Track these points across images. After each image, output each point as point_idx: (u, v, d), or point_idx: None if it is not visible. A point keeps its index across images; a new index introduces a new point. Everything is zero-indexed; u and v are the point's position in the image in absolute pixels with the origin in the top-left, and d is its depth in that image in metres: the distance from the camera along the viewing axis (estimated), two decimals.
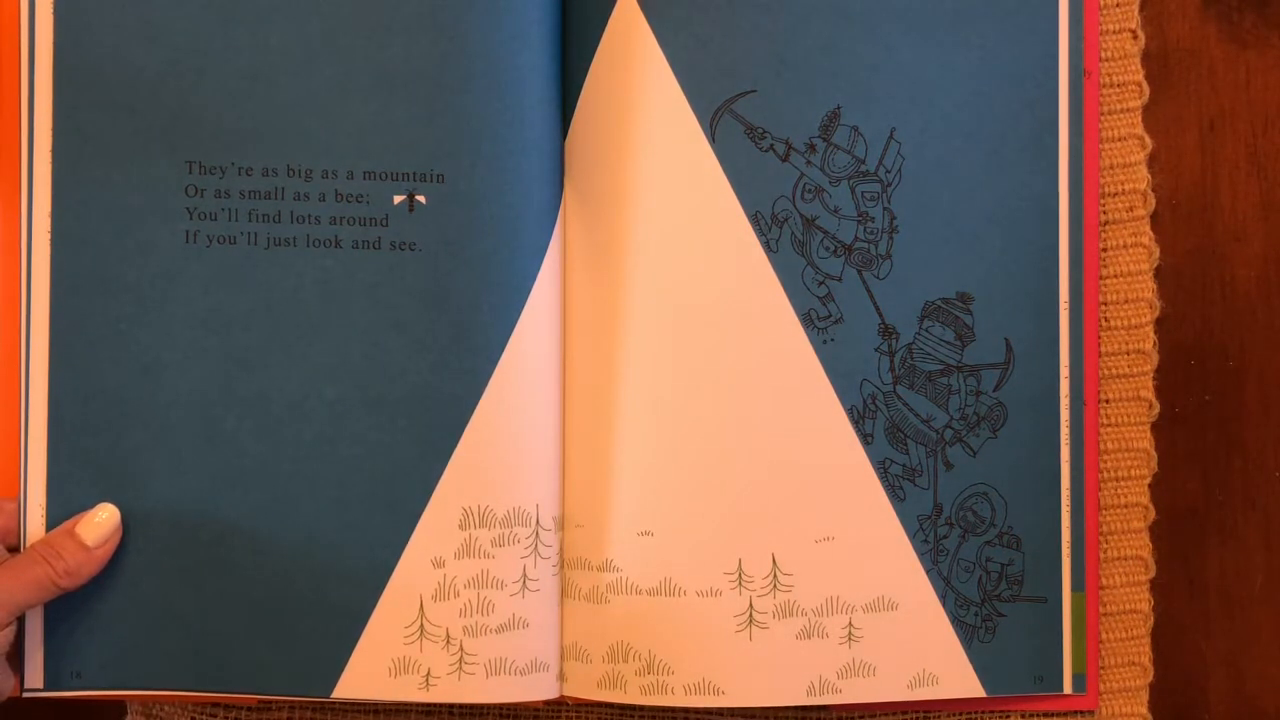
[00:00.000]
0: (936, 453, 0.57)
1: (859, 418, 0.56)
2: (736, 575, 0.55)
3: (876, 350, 0.56)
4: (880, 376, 0.56)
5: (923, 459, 0.57)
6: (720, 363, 0.55)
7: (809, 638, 0.56)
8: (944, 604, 0.57)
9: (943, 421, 0.57)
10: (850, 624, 0.56)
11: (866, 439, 0.56)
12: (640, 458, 0.56)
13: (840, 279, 0.56)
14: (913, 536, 0.57)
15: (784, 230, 0.56)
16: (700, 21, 0.55)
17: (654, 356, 0.56)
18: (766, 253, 0.56)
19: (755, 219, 0.56)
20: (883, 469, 0.56)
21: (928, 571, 0.57)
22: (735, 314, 0.56)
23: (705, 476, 0.55)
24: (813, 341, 0.56)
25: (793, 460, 0.56)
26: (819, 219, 0.56)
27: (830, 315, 0.56)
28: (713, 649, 0.55)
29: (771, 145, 0.56)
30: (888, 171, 0.56)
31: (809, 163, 0.56)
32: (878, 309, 0.56)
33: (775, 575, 0.56)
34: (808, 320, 0.56)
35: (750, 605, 0.55)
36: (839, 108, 0.56)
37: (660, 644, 0.55)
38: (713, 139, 0.56)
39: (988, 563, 0.57)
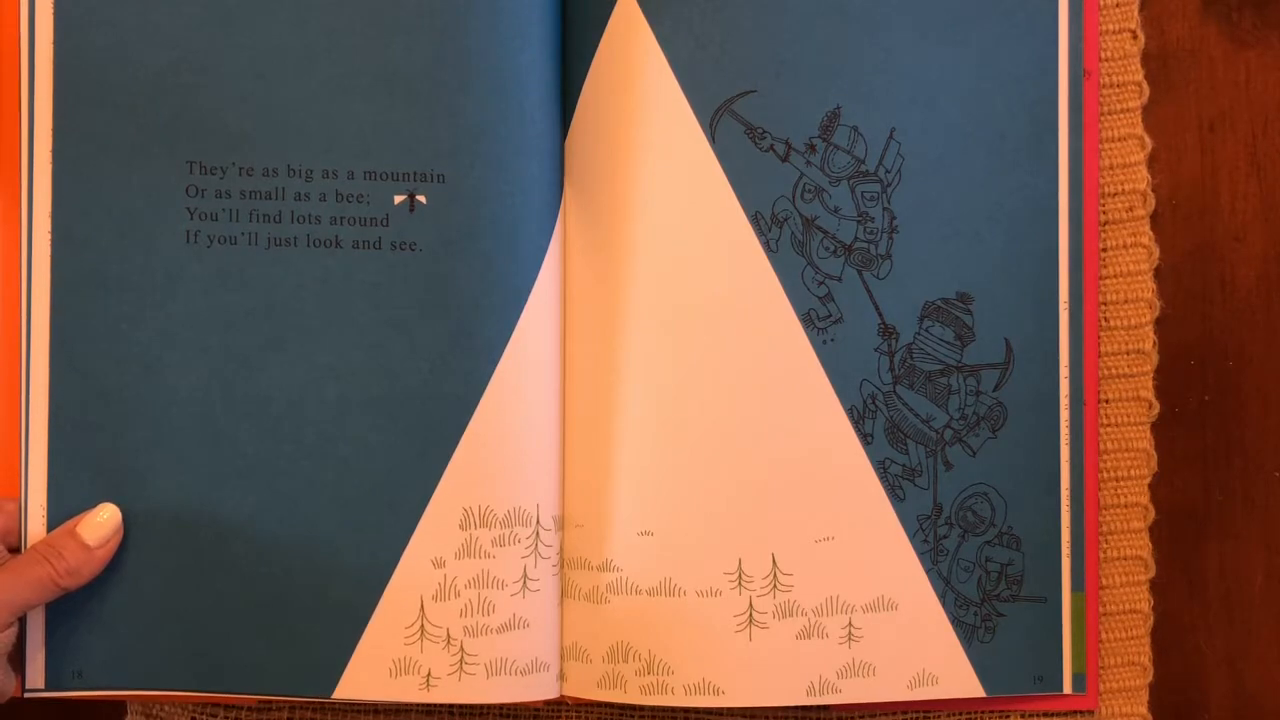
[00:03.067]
0: (936, 453, 0.57)
1: (859, 418, 0.56)
2: (736, 575, 0.55)
3: (876, 350, 0.56)
4: (880, 376, 0.56)
5: (922, 459, 0.57)
6: (720, 362, 0.56)
7: (809, 638, 0.56)
8: (944, 604, 0.57)
9: (942, 421, 0.57)
10: (850, 624, 0.56)
11: (866, 439, 0.56)
12: (640, 457, 0.56)
13: (840, 279, 0.56)
14: (912, 536, 0.57)
15: (784, 230, 0.56)
16: (700, 21, 0.55)
17: (654, 356, 0.56)
18: (766, 253, 0.56)
19: (755, 219, 0.56)
20: (882, 469, 0.56)
21: (927, 571, 0.57)
22: (735, 314, 0.56)
23: (705, 476, 0.55)
24: (813, 341, 0.56)
25: (792, 460, 0.56)
26: (819, 219, 0.56)
27: (830, 315, 0.56)
28: (713, 649, 0.55)
29: (771, 145, 0.56)
30: (887, 171, 0.56)
31: (809, 163, 0.56)
32: (877, 309, 0.56)
33: (775, 575, 0.56)
34: (808, 320, 0.56)
35: (750, 605, 0.55)
36: (839, 108, 0.56)
37: (660, 644, 0.55)
38: (713, 139, 0.56)
39: (987, 563, 0.57)
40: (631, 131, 0.55)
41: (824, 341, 0.56)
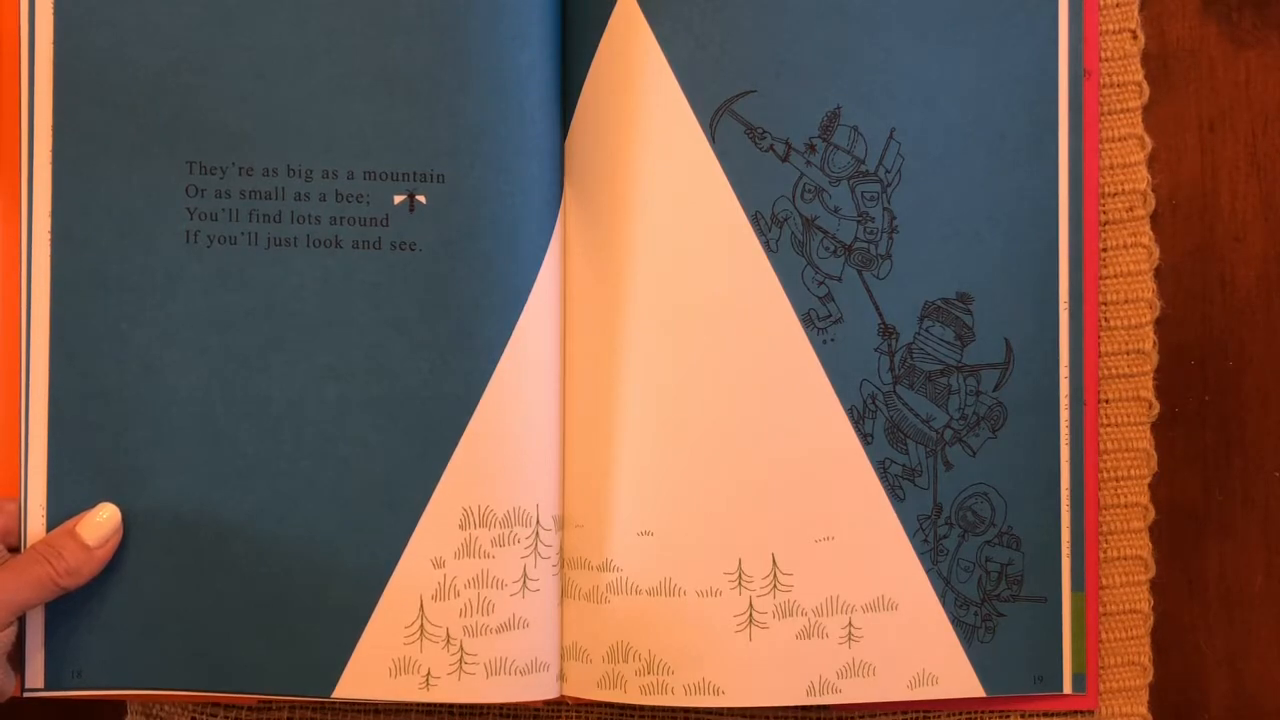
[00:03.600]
0: (936, 453, 0.57)
1: (859, 417, 0.56)
2: (736, 575, 0.55)
3: (876, 350, 0.56)
4: (880, 376, 0.56)
5: (922, 459, 0.57)
6: (720, 362, 0.56)
7: (809, 637, 0.56)
8: (944, 604, 0.57)
9: (942, 421, 0.57)
10: (850, 624, 0.56)
11: (866, 439, 0.56)
12: (640, 457, 0.56)
13: (840, 279, 0.56)
14: (912, 536, 0.57)
15: (784, 230, 0.56)
16: (700, 21, 0.55)
17: (654, 356, 0.56)
18: (766, 253, 0.56)
19: (755, 219, 0.56)
20: (882, 469, 0.56)
21: (927, 571, 0.57)
22: (735, 314, 0.56)
23: (705, 476, 0.55)
24: (813, 341, 0.56)
25: (793, 460, 0.56)
26: (819, 219, 0.56)
27: (830, 315, 0.56)
28: (713, 649, 0.55)
29: (771, 145, 0.56)
30: (887, 171, 0.56)
31: (809, 163, 0.56)
32: (877, 309, 0.56)
33: (775, 575, 0.56)
34: (808, 320, 0.56)
35: (750, 605, 0.55)
36: (839, 108, 0.56)
37: (660, 644, 0.55)
38: (713, 139, 0.56)
39: (987, 562, 0.57)
40: (631, 131, 0.55)
41: (824, 341, 0.56)
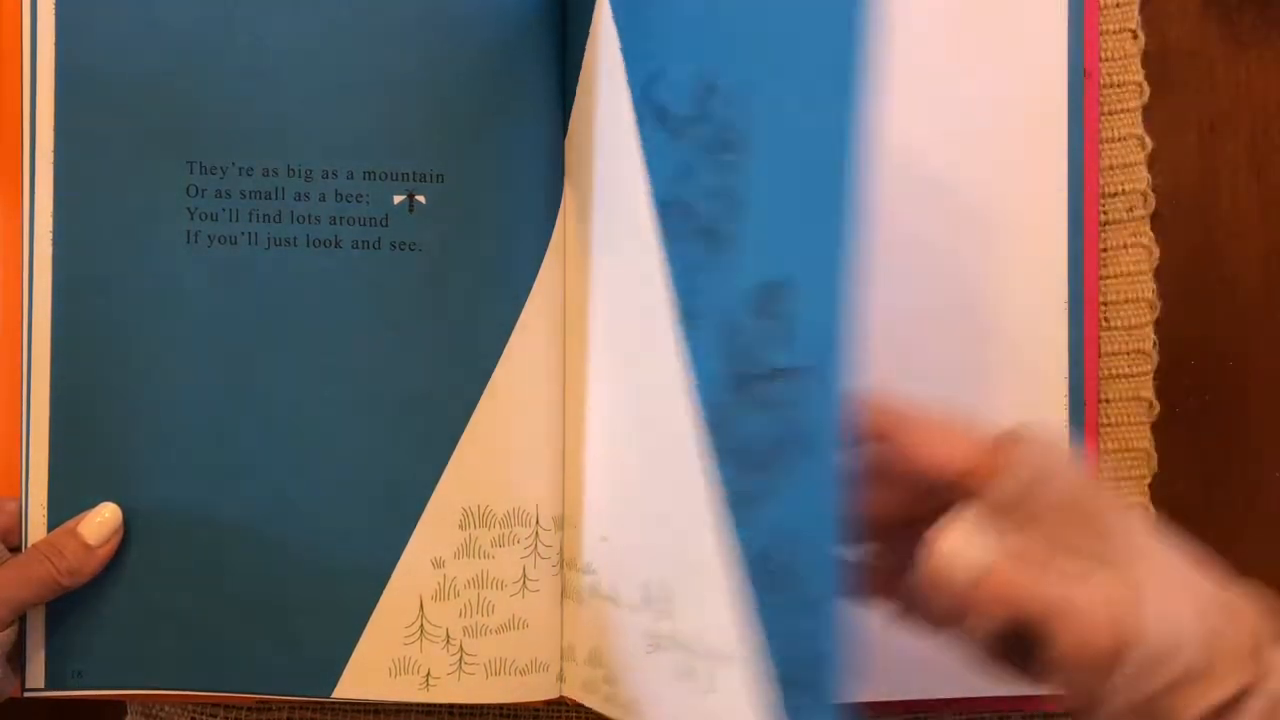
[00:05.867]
0: None
1: None
2: (650, 593, 0.52)
3: None
4: None
5: None
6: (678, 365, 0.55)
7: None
8: None
9: None
10: None
11: None
12: (602, 459, 0.54)
13: None
14: None
15: None
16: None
17: (621, 360, 0.54)
18: None
19: None
20: None
21: None
22: None
23: (651, 482, 0.53)
24: None
25: None
26: None
27: None
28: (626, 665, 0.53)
29: None
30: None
31: None
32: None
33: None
34: None
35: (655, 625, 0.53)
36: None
37: (611, 652, 0.54)
38: None
39: None
40: None
41: None
